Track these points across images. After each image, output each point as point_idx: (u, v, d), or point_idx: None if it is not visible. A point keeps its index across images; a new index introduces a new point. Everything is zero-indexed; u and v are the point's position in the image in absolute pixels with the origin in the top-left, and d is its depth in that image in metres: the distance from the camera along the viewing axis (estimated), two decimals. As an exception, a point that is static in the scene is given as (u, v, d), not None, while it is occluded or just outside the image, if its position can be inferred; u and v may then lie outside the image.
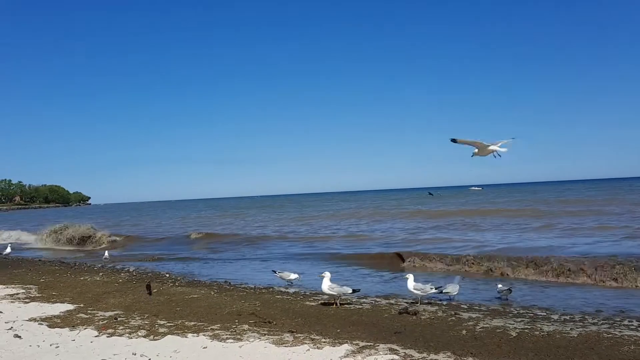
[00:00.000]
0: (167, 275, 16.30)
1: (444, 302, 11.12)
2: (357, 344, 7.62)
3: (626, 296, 11.70)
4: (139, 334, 8.53)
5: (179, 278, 15.54)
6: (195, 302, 11.17)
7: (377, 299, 11.64)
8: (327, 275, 11.03)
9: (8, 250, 24.38)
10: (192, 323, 9.21)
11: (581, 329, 8.45)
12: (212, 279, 15.56)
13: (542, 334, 8.12)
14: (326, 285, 10.84)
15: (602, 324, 8.94)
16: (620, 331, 8.25)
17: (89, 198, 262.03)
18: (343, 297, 11.17)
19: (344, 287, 11.11)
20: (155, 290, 12.61)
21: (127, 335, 8.48)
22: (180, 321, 9.36)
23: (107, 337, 8.43)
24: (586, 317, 9.57)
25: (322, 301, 11.23)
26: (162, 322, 9.30)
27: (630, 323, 8.98)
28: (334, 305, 10.70)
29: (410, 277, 11.15)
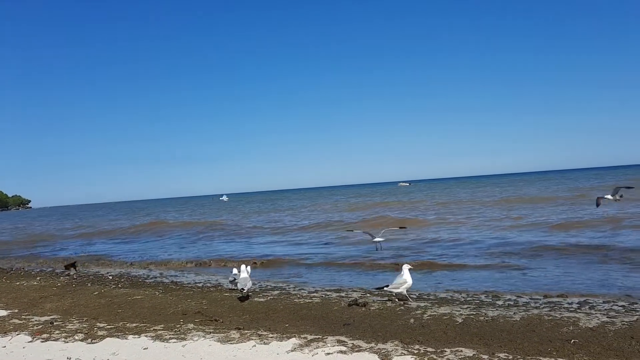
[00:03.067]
0: (110, 277, 15.67)
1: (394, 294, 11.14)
2: (305, 338, 7.50)
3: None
4: (76, 337, 8.11)
5: (122, 279, 14.96)
6: (138, 303, 10.75)
7: (328, 292, 11.56)
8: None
9: None
10: (134, 324, 8.84)
11: (524, 312, 8.64)
12: (158, 279, 15.07)
13: (486, 319, 8.25)
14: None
15: (544, 307, 9.18)
16: (560, 313, 8.48)
17: (29, 201, 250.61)
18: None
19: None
20: (96, 293, 12.09)
21: (62, 339, 8.05)
22: (121, 323, 8.97)
23: (42, 342, 7.99)
24: (530, 301, 9.81)
25: (272, 297, 11.07)
26: (101, 325, 8.89)
27: (570, 305, 9.27)
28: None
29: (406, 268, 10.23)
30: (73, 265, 18.03)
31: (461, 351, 6.60)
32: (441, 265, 14.73)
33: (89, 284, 14.00)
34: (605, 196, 15.49)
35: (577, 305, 9.29)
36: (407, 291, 10.05)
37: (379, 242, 14.57)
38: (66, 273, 17.00)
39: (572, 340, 6.82)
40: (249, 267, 12.53)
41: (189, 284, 13.85)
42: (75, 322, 9.28)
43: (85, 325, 8.91)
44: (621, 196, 15.10)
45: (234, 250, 22.39)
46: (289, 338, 7.51)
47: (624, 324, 7.51)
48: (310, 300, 10.53)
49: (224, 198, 39.33)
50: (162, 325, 8.66)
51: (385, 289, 10.13)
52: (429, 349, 6.73)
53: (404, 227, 13.96)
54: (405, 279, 9.93)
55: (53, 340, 8.06)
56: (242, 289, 10.53)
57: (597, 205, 17.00)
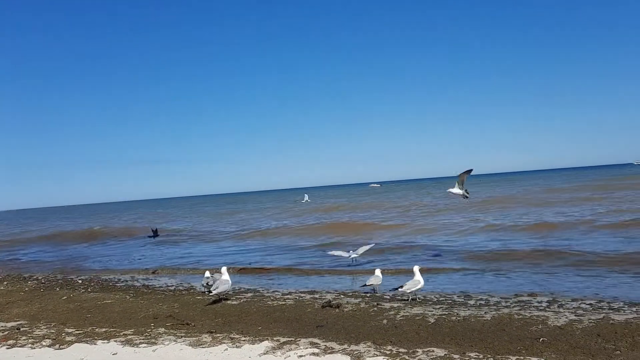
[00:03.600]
0: (80, 281, 15.36)
1: (368, 294, 11.18)
2: (277, 340, 7.45)
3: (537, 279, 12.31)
4: (43, 343, 7.92)
5: (92, 283, 14.67)
6: (108, 308, 10.56)
7: (302, 294, 11.53)
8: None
9: None
10: (104, 329, 8.67)
11: (495, 312, 8.75)
12: (129, 283, 14.82)
13: (458, 318, 8.32)
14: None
15: (514, 306, 9.31)
16: (530, 312, 8.61)
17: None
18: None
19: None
20: (64, 298, 11.83)
21: (29, 345, 7.86)
22: (90, 328, 8.79)
23: (7, 348, 7.78)
24: (501, 300, 9.94)
25: (245, 299, 10.99)
26: (70, 330, 8.69)
27: (540, 304, 9.43)
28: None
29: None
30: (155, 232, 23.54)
31: (433, 351, 6.64)
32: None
33: (58, 289, 13.70)
34: (450, 190, 15.13)
35: (547, 304, 9.46)
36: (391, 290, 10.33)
37: (354, 258, 15.40)
38: (34, 277, 16.61)
39: (541, 339, 6.93)
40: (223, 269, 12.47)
41: (160, 287, 13.65)
42: (42, 327, 9.06)
43: (53, 331, 8.71)
44: (467, 192, 14.94)
45: (205, 255, 22.20)
46: (261, 341, 7.46)
47: (590, 322, 7.66)
48: (283, 303, 10.48)
49: (306, 198, 38.27)
50: (132, 330, 8.50)
51: (399, 289, 10.26)
52: (402, 350, 6.76)
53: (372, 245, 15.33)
54: (418, 279, 10.26)
55: (19, 346, 7.85)
56: (210, 291, 10.43)
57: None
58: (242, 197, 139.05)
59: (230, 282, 10.76)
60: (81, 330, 8.69)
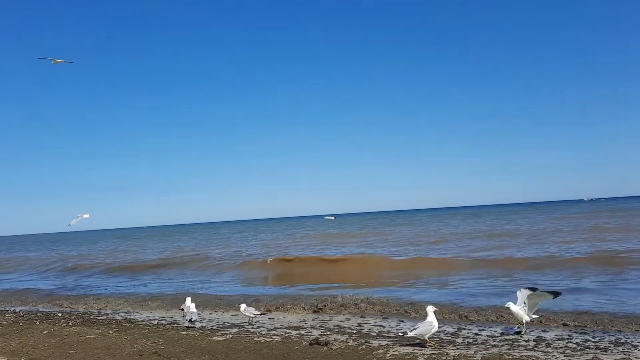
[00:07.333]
0: (60, 314, 15.00)
1: (354, 331, 11.10)
2: (267, 380, 7.35)
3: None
4: (25, 382, 7.69)
5: (72, 317, 14.34)
6: (91, 343, 10.31)
7: (288, 330, 11.43)
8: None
9: None
10: (88, 367, 8.47)
11: (484, 351, 8.74)
12: (110, 316, 14.52)
13: (448, 358, 8.30)
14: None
15: (502, 345, 9.33)
16: (519, 352, 8.63)
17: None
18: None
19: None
20: (45, 332, 11.52)
21: (10, 384, 7.61)
22: (73, 365, 8.58)
23: (-14, 388, 7.53)
24: (488, 339, 9.96)
25: (231, 335, 10.84)
26: (52, 368, 8.47)
27: (527, 343, 9.47)
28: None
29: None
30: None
31: (425, 393, 6.60)
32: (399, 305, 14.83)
33: (37, 322, 13.35)
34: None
35: (534, 342, 9.50)
36: None
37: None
38: (12, 310, 16.16)
39: (532, 381, 6.94)
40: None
41: (143, 321, 13.41)
42: (23, 364, 8.81)
43: (34, 369, 8.47)
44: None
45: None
46: (251, 380, 7.35)
47: (580, 364, 7.70)
48: (270, 339, 10.37)
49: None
50: (117, 368, 8.32)
51: None
52: (394, 391, 6.70)
53: None
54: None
55: (-1, 385, 7.62)
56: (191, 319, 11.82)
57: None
58: (193, 229, 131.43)
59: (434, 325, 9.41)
60: (64, 367, 8.48)
